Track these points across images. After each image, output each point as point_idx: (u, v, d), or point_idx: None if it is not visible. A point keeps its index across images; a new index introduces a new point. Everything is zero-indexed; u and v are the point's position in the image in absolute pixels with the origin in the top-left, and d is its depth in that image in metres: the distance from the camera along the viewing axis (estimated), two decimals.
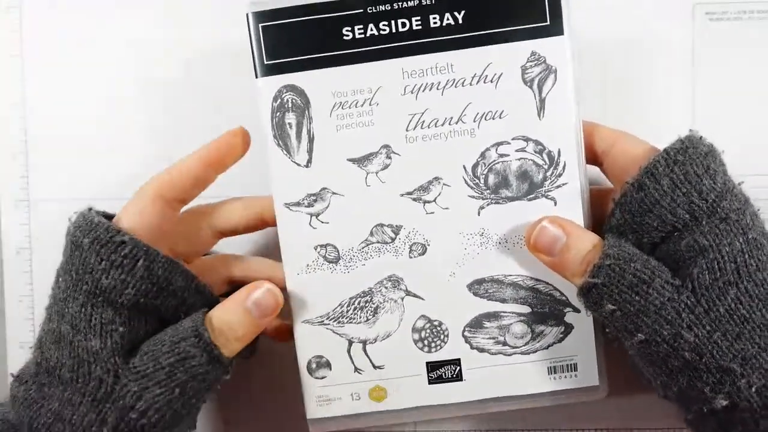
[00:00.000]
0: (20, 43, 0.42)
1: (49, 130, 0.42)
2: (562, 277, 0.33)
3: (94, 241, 0.32)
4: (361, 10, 0.33)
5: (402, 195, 0.34)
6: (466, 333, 0.35)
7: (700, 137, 0.32)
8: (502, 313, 0.35)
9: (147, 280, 0.32)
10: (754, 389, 0.28)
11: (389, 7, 0.33)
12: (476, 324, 0.35)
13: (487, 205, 0.34)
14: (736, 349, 0.29)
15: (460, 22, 0.33)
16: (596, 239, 0.32)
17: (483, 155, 0.34)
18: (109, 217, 0.34)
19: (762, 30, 0.40)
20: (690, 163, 0.31)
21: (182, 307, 0.34)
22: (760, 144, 0.40)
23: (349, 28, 0.33)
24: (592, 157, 0.35)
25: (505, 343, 0.35)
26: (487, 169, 0.34)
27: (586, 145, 0.34)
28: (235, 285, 0.38)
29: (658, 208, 0.31)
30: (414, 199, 0.34)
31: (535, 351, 0.35)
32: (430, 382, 0.35)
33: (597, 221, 0.34)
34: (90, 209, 0.33)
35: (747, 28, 0.40)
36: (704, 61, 0.40)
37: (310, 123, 0.34)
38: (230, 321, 0.33)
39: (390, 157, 0.34)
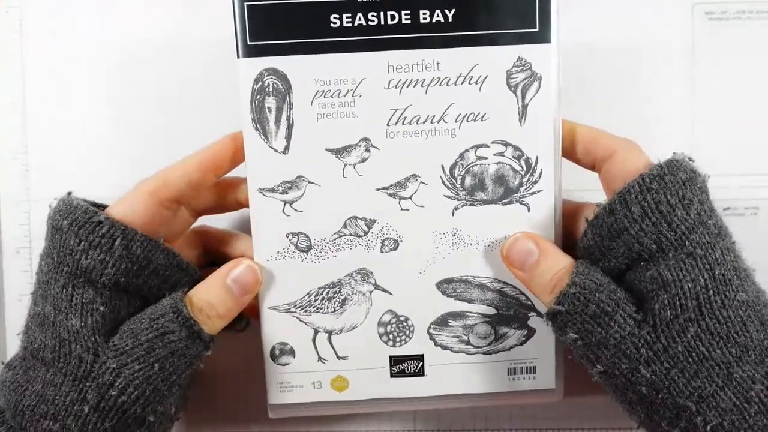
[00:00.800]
0: (20, 43, 0.41)
1: (49, 130, 0.41)
2: (532, 293, 0.33)
3: (73, 223, 0.32)
4: None
5: (378, 189, 0.34)
6: (431, 330, 0.35)
7: (683, 162, 0.31)
8: (467, 313, 0.35)
9: (126, 259, 0.32)
10: (709, 427, 0.28)
11: None
12: (442, 322, 0.35)
13: (462, 206, 0.34)
14: (693, 387, 0.29)
15: (450, 20, 0.33)
16: (568, 262, 0.32)
17: (462, 156, 0.34)
18: (100, 207, 0.34)
19: (762, 30, 0.40)
20: (664, 191, 0.30)
21: (165, 285, 0.34)
22: (760, 144, 0.40)
23: (337, 16, 0.33)
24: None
25: (468, 343, 0.36)
26: (464, 171, 0.34)
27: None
28: (211, 258, 0.38)
29: (625, 235, 0.30)
30: (390, 195, 0.34)
31: (497, 352, 0.36)
32: (392, 376, 0.36)
33: (566, 235, 0.35)
34: (69, 193, 0.33)
35: (747, 28, 0.40)
36: (704, 61, 0.40)
37: (290, 109, 0.33)
38: (210, 299, 0.33)
39: (369, 151, 0.34)
